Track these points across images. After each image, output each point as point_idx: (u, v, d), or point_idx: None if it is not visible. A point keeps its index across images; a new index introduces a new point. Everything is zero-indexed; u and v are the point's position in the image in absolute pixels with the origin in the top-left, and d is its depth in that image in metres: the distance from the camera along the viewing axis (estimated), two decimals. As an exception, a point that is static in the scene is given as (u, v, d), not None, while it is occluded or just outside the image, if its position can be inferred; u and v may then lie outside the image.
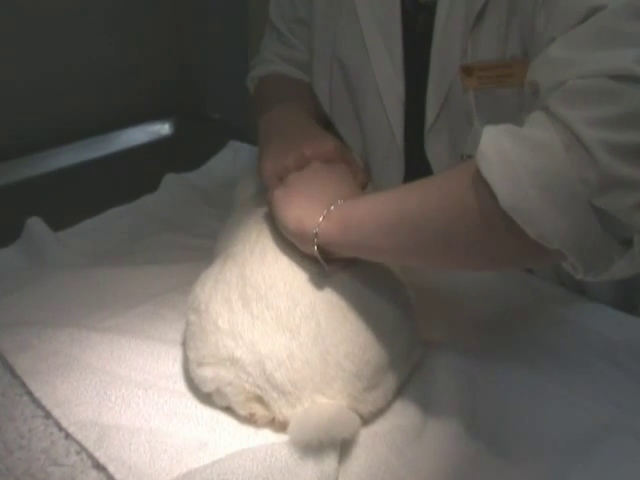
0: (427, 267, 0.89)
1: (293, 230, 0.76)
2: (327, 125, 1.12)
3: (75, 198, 1.27)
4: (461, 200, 0.63)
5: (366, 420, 0.75)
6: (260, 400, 0.74)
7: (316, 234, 0.73)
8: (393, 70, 0.98)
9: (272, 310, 0.74)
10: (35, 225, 1.08)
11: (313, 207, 0.76)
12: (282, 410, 0.73)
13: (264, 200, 0.88)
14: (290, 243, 0.78)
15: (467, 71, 0.89)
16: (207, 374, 0.75)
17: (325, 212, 0.74)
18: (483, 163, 0.60)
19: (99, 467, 0.69)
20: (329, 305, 0.74)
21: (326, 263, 0.75)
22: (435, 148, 0.97)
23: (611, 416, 0.77)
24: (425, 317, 0.85)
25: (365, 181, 0.89)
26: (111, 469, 0.68)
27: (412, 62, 0.97)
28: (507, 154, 0.59)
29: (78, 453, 0.71)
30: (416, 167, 1.01)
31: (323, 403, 0.72)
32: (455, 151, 0.96)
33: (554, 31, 0.65)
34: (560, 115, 0.57)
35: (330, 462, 0.67)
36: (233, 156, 1.41)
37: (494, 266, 0.77)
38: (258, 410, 0.74)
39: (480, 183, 0.60)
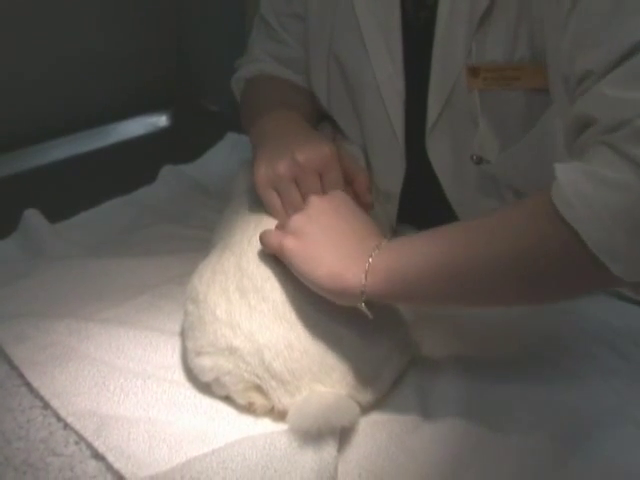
0: (485, 307, 0.85)
1: (330, 288, 0.70)
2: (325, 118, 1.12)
3: (73, 190, 1.26)
4: (539, 243, 0.63)
5: (365, 409, 0.75)
6: (259, 389, 0.74)
7: (363, 292, 0.69)
8: (393, 68, 0.96)
9: (269, 302, 0.74)
10: (32, 217, 1.08)
11: (347, 261, 0.70)
12: (281, 399, 0.73)
13: None
14: None
15: (473, 72, 0.88)
16: (206, 363, 0.75)
17: (367, 267, 0.69)
18: (567, 209, 0.60)
19: (98, 457, 0.69)
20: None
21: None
22: (437, 147, 0.97)
23: (612, 404, 0.76)
24: (423, 312, 0.85)
25: (366, 182, 0.87)
26: (110, 458, 0.68)
27: (413, 60, 0.96)
28: (589, 198, 0.59)
29: (77, 443, 0.71)
30: (417, 166, 1.00)
31: (322, 391, 0.72)
32: (457, 151, 0.96)
33: (591, 64, 0.66)
34: (634, 155, 0.58)
35: (329, 450, 0.67)
36: (231, 148, 1.41)
37: (564, 297, 0.75)
38: (257, 399, 0.74)
39: (563, 227, 0.60)
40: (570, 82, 0.72)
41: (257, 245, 0.78)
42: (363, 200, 0.86)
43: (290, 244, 0.73)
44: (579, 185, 0.60)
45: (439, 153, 0.97)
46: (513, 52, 0.85)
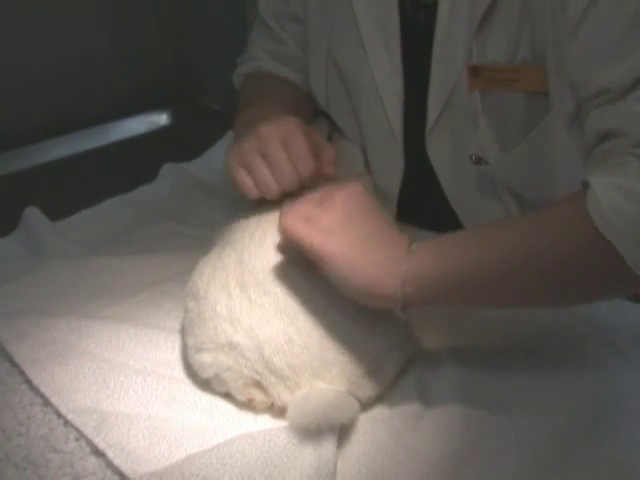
0: (515, 308, 0.85)
1: (368, 297, 0.70)
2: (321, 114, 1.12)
3: (73, 188, 1.27)
4: (577, 255, 0.67)
5: (365, 405, 0.75)
6: (259, 385, 0.74)
7: (400, 300, 0.69)
8: (391, 68, 0.96)
9: (270, 296, 0.74)
10: (32, 215, 1.08)
11: (383, 269, 0.69)
12: (281, 395, 0.73)
13: None
14: None
15: (474, 72, 0.88)
16: (206, 360, 0.75)
17: (404, 277, 0.68)
18: (604, 225, 0.63)
19: (98, 453, 0.70)
20: (327, 291, 0.74)
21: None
22: (436, 147, 0.97)
23: (611, 400, 0.76)
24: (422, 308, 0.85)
25: (331, 155, 0.83)
26: (110, 455, 0.68)
27: (412, 60, 0.96)
28: (625, 214, 0.63)
29: (77, 439, 0.71)
30: (416, 166, 1.00)
31: (322, 388, 0.72)
32: (457, 150, 0.96)
33: (611, 80, 0.69)
34: None
35: (329, 447, 0.67)
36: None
37: (594, 301, 0.82)
38: (257, 395, 0.74)
39: (600, 241, 0.64)
40: (580, 92, 0.74)
41: (258, 241, 0.78)
42: (325, 171, 0.83)
43: (327, 247, 0.69)
44: (615, 201, 0.63)
45: (439, 153, 0.97)
46: (515, 53, 0.85)
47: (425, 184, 1.00)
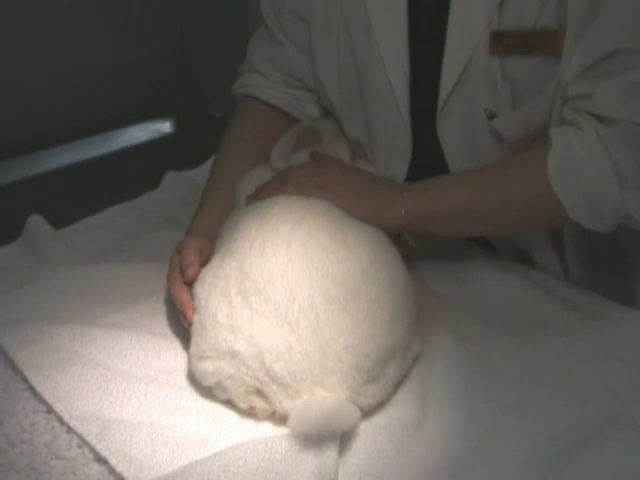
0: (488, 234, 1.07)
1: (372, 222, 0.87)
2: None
3: (77, 196, 1.28)
4: (531, 198, 0.90)
5: (366, 413, 0.76)
6: (260, 393, 0.74)
7: (402, 229, 0.91)
8: (399, 47, 0.98)
9: (270, 304, 0.74)
10: (36, 223, 1.09)
11: (383, 203, 0.91)
12: (282, 403, 0.73)
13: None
14: (289, 238, 0.78)
15: (497, 37, 0.90)
16: (207, 367, 0.76)
17: (404, 206, 0.90)
18: (555, 181, 0.87)
19: (100, 460, 0.70)
20: (327, 298, 0.74)
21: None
22: (447, 125, 0.98)
23: (612, 407, 0.77)
24: (424, 309, 0.85)
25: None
26: (112, 462, 0.69)
27: (420, 39, 0.97)
28: (572, 176, 0.87)
29: (80, 447, 0.72)
30: (424, 151, 1.02)
31: (323, 395, 0.72)
32: (467, 129, 0.97)
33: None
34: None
35: (330, 454, 0.67)
36: (234, 154, 1.41)
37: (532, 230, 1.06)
38: (258, 403, 0.75)
39: (550, 191, 0.87)
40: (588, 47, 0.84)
41: (259, 249, 0.79)
42: None
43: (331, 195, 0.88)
44: (566, 165, 0.86)
45: (449, 131, 0.99)
46: (538, 19, 0.88)
47: (432, 167, 1.01)
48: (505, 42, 0.90)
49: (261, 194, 0.92)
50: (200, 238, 0.91)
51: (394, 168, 1.04)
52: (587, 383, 0.80)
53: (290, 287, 0.75)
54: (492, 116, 0.95)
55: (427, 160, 1.01)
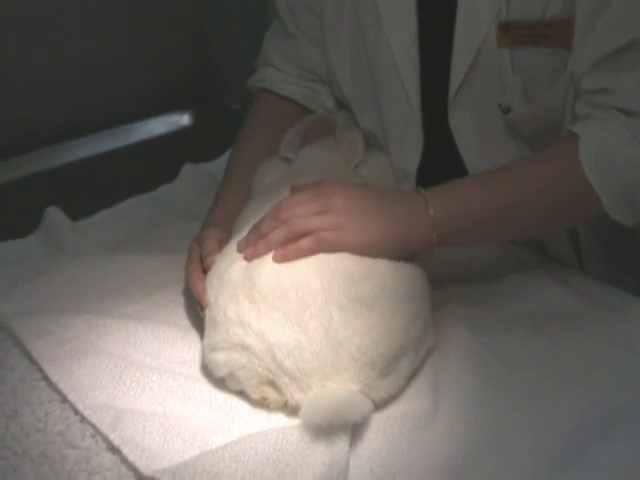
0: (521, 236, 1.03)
1: (402, 249, 0.81)
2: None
3: (95, 188, 1.28)
4: (566, 194, 0.86)
5: (378, 405, 0.75)
6: (272, 384, 0.74)
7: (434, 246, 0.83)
8: (408, 37, 0.97)
9: (279, 312, 0.74)
10: (54, 214, 1.10)
11: (407, 224, 0.81)
12: (294, 394, 0.73)
13: (282, 187, 0.88)
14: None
15: (504, 28, 0.90)
16: (220, 358, 0.76)
17: (432, 222, 0.81)
18: (592, 174, 0.83)
19: (113, 449, 0.71)
20: (341, 305, 0.74)
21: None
22: (459, 117, 0.98)
23: (626, 402, 0.76)
24: (438, 302, 0.85)
25: None
26: (125, 451, 0.69)
27: (429, 29, 0.97)
28: (609, 167, 0.83)
29: (93, 436, 0.73)
30: (436, 142, 1.01)
31: (335, 387, 0.72)
32: (479, 121, 0.97)
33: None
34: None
35: (341, 445, 0.67)
36: (251, 146, 1.41)
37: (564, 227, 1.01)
38: (271, 394, 0.75)
39: (586, 184, 0.83)
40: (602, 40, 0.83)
41: (268, 258, 0.78)
42: None
43: (343, 242, 0.78)
44: (601, 155, 0.83)
45: (461, 122, 0.98)
46: (546, 9, 0.87)
47: (444, 160, 1.01)
48: (512, 32, 0.89)
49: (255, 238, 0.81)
50: (219, 229, 0.92)
51: (406, 160, 1.04)
52: (601, 377, 0.79)
53: (304, 299, 0.74)
54: (507, 110, 0.93)
55: (439, 153, 1.01)
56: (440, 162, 1.00)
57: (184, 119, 1.62)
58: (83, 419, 0.74)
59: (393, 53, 0.99)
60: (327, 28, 1.07)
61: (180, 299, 0.93)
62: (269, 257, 0.78)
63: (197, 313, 0.85)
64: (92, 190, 1.27)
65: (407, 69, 0.99)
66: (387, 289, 0.77)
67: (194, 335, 0.86)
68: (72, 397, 0.76)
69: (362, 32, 1.02)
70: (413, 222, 0.81)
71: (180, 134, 1.59)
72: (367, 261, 0.78)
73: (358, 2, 1.02)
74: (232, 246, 0.83)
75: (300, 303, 0.74)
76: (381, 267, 0.78)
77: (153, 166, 1.37)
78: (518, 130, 0.95)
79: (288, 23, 1.13)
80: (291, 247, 0.78)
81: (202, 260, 0.87)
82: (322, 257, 0.77)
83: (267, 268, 0.77)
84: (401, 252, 0.80)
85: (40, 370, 0.80)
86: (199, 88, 1.71)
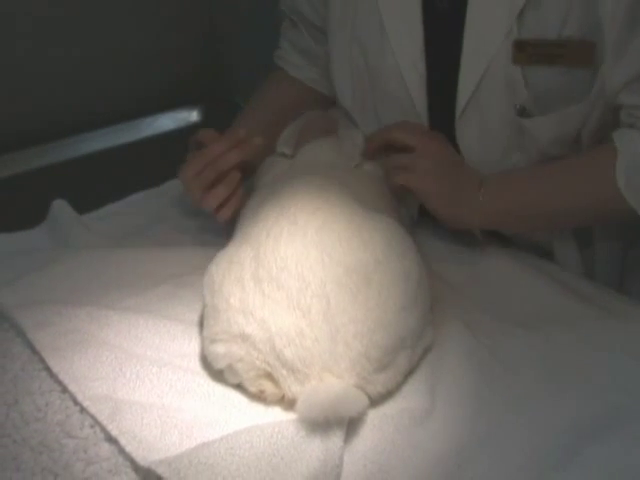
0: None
1: (451, 223, 0.99)
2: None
3: (102, 182, 1.29)
4: (600, 200, 0.93)
5: (375, 401, 0.76)
6: (270, 377, 0.75)
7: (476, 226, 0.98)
8: (414, 51, 0.97)
9: (283, 290, 0.75)
10: (60, 208, 1.10)
11: (461, 206, 0.96)
12: (291, 387, 0.74)
13: (286, 182, 0.89)
14: (305, 227, 0.79)
15: (520, 46, 0.90)
16: (219, 350, 0.77)
17: (479, 210, 0.96)
18: (627, 185, 0.88)
19: (111, 440, 0.71)
20: (339, 285, 0.75)
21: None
22: (466, 132, 0.98)
23: (621, 403, 0.76)
24: (438, 300, 0.85)
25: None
26: (122, 442, 0.70)
27: (436, 43, 0.97)
28: None
29: (92, 426, 0.73)
30: None
31: (331, 381, 0.73)
32: (487, 136, 0.97)
33: None
34: None
35: (336, 440, 0.68)
36: (259, 143, 1.42)
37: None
38: (268, 387, 0.75)
39: (621, 196, 0.89)
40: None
41: (275, 237, 0.79)
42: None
43: (423, 186, 0.96)
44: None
45: (468, 138, 0.99)
46: (562, 29, 0.88)
47: None
48: (528, 51, 0.90)
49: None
50: None
51: None
52: (597, 378, 0.79)
53: (303, 274, 0.76)
54: (523, 111, 0.94)
55: None
56: None
57: (193, 115, 1.63)
58: (82, 409, 0.75)
59: (400, 67, 0.99)
60: (332, 42, 1.09)
61: (182, 293, 0.94)
62: (274, 238, 0.79)
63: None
64: (100, 184, 1.28)
65: (414, 83, 0.99)
66: (381, 264, 0.78)
67: (194, 329, 0.86)
68: (72, 387, 0.77)
69: (364, 46, 1.03)
70: (466, 199, 0.96)
71: (189, 130, 1.59)
72: (364, 233, 0.80)
73: (361, 16, 1.02)
74: (240, 234, 0.85)
75: (300, 279, 0.75)
76: (377, 238, 0.80)
77: (161, 161, 1.37)
78: (528, 144, 0.96)
79: (295, 19, 1.17)
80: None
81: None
82: (322, 231, 0.79)
83: (272, 246, 0.78)
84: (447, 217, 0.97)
85: (42, 360, 0.81)
86: (209, 85, 1.72)
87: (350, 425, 0.71)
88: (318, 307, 0.74)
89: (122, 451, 0.70)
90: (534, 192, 0.96)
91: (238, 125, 1.10)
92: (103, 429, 0.72)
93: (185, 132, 1.58)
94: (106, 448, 0.71)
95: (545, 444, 0.71)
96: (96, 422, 0.73)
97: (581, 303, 0.92)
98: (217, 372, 0.79)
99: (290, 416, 0.73)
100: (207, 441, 0.69)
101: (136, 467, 0.69)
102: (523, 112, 0.94)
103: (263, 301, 0.75)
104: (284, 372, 0.74)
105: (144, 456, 0.69)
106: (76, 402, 0.76)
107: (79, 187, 1.25)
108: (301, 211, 0.81)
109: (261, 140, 1.00)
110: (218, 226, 1.12)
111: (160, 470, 0.66)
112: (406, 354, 0.78)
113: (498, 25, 0.90)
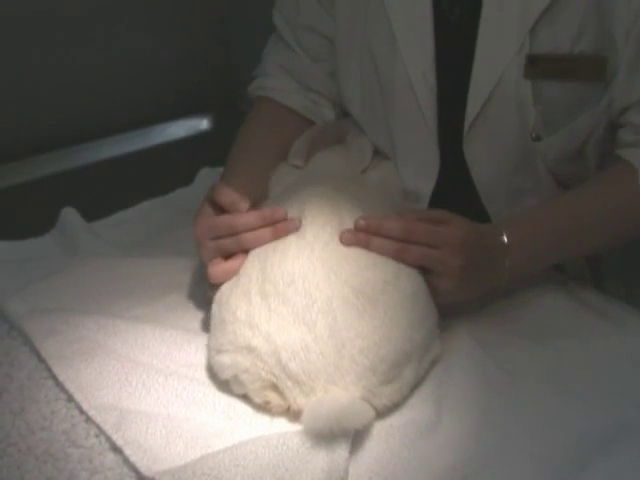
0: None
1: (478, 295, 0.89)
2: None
3: (112, 190, 1.29)
4: (629, 221, 0.93)
5: (381, 413, 0.76)
6: (275, 388, 0.75)
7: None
8: (425, 63, 0.97)
9: (289, 306, 0.75)
10: (69, 215, 1.11)
11: (488, 276, 0.87)
12: (296, 399, 0.74)
13: (297, 193, 0.89)
14: (314, 242, 0.79)
15: (532, 61, 0.90)
16: (225, 361, 0.77)
17: (506, 271, 0.86)
18: None
19: (116, 450, 0.71)
20: (345, 303, 0.75)
21: None
22: (474, 144, 0.97)
23: (629, 416, 0.76)
24: (445, 312, 0.85)
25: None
26: (127, 452, 0.70)
27: (447, 56, 0.96)
28: None
29: (97, 436, 0.73)
30: (450, 168, 1.01)
31: (336, 393, 0.73)
32: (494, 149, 0.97)
33: None
34: None
35: (341, 452, 0.68)
36: (269, 152, 1.42)
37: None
38: (273, 398, 0.75)
39: None
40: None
41: (282, 252, 0.79)
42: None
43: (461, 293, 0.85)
44: None
45: (476, 152, 0.98)
46: (575, 44, 0.88)
47: (458, 185, 1.01)
48: (540, 66, 0.90)
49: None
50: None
51: (420, 184, 1.03)
52: (605, 391, 0.79)
53: (310, 291, 0.76)
54: (538, 138, 0.94)
55: (453, 176, 1.01)
56: (453, 185, 1.00)
57: (203, 123, 1.63)
58: (88, 419, 0.75)
59: (410, 78, 0.98)
60: (340, 53, 1.07)
61: (189, 302, 0.94)
62: (281, 252, 0.79)
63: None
64: (109, 192, 1.28)
65: (424, 95, 0.98)
66: (390, 285, 0.78)
67: (201, 338, 0.86)
68: (78, 396, 0.77)
69: (374, 57, 1.02)
70: (492, 274, 0.87)
71: (199, 138, 1.60)
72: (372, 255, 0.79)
73: (372, 27, 1.01)
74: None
75: (307, 295, 0.75)
76: (384, 262, 0.80)
77: (171, 169, 1.38)
78: (536, 160, 0.96)
79: (288, 39, 1.10)
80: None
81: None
82: (329, 247, 0.78)
83: (279, 260, 0.78)
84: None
85: (48, 369, 0.81)
86: (219, 93, 1.72)
87: (356, 436, 0.71)
88: (324, 322, 0.74)
89: (127, 461, 0.70)
90: (563, 238, 0.91)
91: (239, 174, 1.01)
92: (108, 439, 0.72)
93: (196, 140, 1.59)
94: (111, 458, 0.71)
95: (553, 458, 0.71)
96: (101, 431, 0.73)
97: (590, 314, 0.91)
98: (223, 382, 0.78)
99: (295, 427, 0.73)
100: (211, 452, 0.69)
101: (141, 477, 0.68)
102: (538, 138, 0.94)
103: (269, 315, 0.75)
104: (289, 384, 0.73)
105: (149, 466, 0.69)
106: (82, 411, 0.76)
107: (89, 194, 1.26)
108: (310, 225, 0.81)
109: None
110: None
111: (164, 480, 0.66)
112: (413, 367, 0.78)
113: (511, 39, 0.90)
